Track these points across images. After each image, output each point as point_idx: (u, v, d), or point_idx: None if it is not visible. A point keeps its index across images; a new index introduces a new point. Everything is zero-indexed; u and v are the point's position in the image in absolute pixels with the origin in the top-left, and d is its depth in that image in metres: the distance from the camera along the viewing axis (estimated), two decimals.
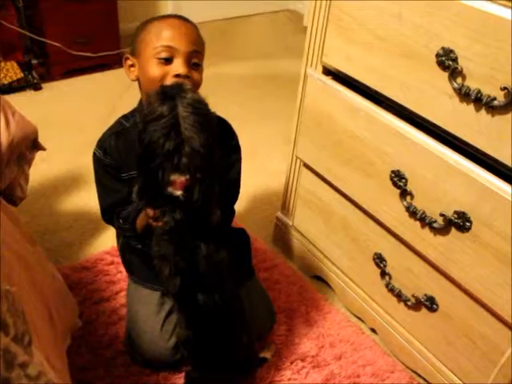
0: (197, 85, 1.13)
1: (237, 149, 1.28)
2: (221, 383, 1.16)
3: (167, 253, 0.99)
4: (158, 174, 0.92)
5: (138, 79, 1.17)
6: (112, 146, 1.19)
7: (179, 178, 0.92)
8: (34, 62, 2.55)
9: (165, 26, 1.12)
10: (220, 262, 1.02)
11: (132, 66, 1.16)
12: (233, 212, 1.32)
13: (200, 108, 0.94)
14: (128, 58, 1.16)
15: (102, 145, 1.20)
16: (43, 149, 1.41)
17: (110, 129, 1.23)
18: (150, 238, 1.07)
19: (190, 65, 1.11)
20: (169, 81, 1.08)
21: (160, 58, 1.09)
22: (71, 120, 2.28)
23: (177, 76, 1.08)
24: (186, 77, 1.09)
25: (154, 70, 1.10)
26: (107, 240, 1.64)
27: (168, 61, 1.09)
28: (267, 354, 1.31)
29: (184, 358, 1.20)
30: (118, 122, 1.23)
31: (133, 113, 1.22)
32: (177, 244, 0.98)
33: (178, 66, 1.09)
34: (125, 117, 1.23)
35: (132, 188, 1.09)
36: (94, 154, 1.22)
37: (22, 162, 1.35)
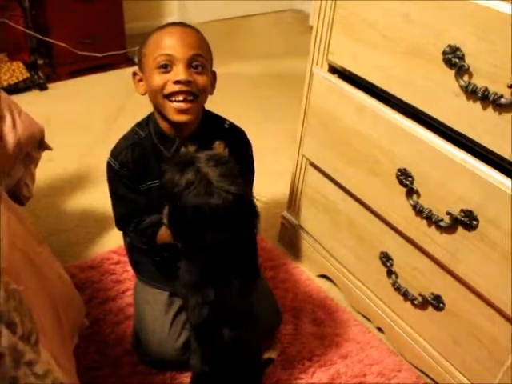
0: (204, 89, 1.12)
1: (251, 161, 1.29)
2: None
3: (196, 281, 0.97)
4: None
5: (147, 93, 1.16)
6: (129, 158, 1.17)
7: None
8: (40, 62, 2.56)
9: (163, 35, 1.11)
10: (251, 299, 1.01)
11: (140, 80, 1.15)
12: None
13: (217, 157, 0.93)
14: (136, 74, 1.16)
15: (118, 157, 1.17)
16: (49, 148, 1.42)
17: (124, 139, 1.20)
18: (168, 251, 1.09)
19: (190, 70, 1.09)
20: (169, 88, 1.08)
21: (159, 67, 1.08)
22: (77, 120, 2.28)
23: (177, 82, 1.07)
24: (188, 82, 1.07)
25: (155, 79, 1.09)
26: (113, 239, 1.64)
27: (167, 68, 1.08)
28: (273, 354, 1.31)
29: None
30: (133, 132, 1.20)
31: (147, 120, 1.20)
32: (209, 273, 0.96)
33: (178, 73, 1.07)
34: (139, 125, 1.21)
35: (148, 198, 1.15)
36: (109, 164, 1.19)
37: (28, 162, 1.36)
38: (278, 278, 1.54)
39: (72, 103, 2.42)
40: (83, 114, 2.34)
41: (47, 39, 2.45)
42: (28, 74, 2.47)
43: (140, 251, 1.31)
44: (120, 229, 1.28)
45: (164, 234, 1.14)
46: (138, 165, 1.17)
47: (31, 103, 2.25)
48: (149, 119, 1.20)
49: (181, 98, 1.08)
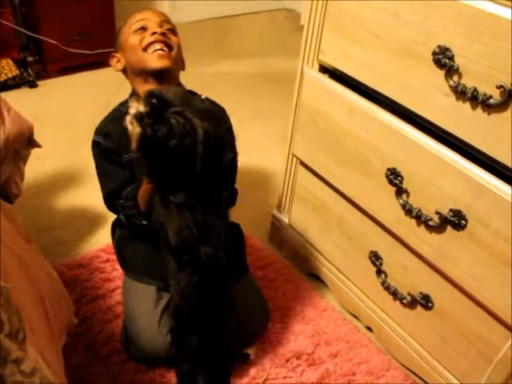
0: (177, 46, 1.24)
1: (230, 128, 1.28)
2: (212, 378, 1.17)
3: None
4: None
5: (124, 70, 1.27)
6: (111, 130, 1.24)
7: None
8: (30, 59, 2.54)
9: (136, 13, 1.28)
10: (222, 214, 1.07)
11: (118, 61, 1.27)
12: (235, 191, 1.31)
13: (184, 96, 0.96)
14: (114, 56, 1.28)
15: (102, 130, 1.26)
16: (39, 146, 1.41)
17: (106, 116, 1.29)
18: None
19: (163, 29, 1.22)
20: (147, 40, 1.20)
21: (136, 30, 1.23)
22: (67, 117, 2.27)
23: (153, 34, 1.20)
24: (162, 33, 1.20)
25: (133, 39, 1.22)
26: (103, 238, 1.63)
27: (143, 29, 1.22)
28: (250, 351, 1.32)
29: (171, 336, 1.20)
30: (114, 109, 1.29)
31: (128, 98, 1.26)
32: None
33: (152, 28, 1.21)
34: (120, 104, 1.29)
35: (131, 170, 1.21)
36: (94, 141, 1.26)
37: (17, 159, 1.35)
38: (267, 277, 1.54)
39: (62, 101, 2.41)
40: (73, 111, 2.32)
41: (37, 36, 2.43)
42: (17, 72, 2.45)
43: (127, 246, 1.35)
44: (109, 206, 1.30)
45: (142, 192, 1.16)
46: (120, 136, 1.20)
47: (20, 101, 2.23)
48: (129, 96, 1.27)
49: (158, 46, 1.20)
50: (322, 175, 1.40)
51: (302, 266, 1.61)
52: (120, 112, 1.25)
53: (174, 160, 0.93)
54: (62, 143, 2.07)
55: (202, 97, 1.27)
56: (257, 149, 2.13)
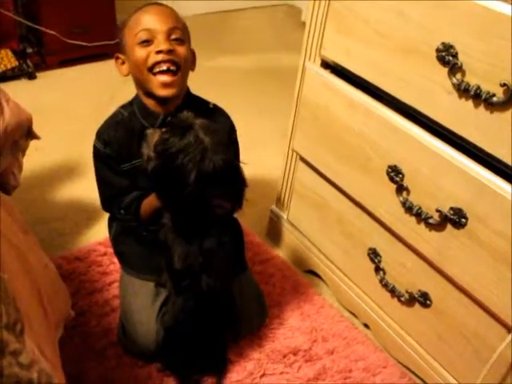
0: (185, 59, 1.15)
1: (236, 144, 1.31)
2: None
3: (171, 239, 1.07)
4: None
5: (130, 74, 1.19)
6: (111, 137, 1.19)
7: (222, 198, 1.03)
8: (30, 50, 2.52)
9: (141, 13, 1.16)
10: (225, 244, 1.09)
11: (123, 63, 1.19)
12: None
13: (212, 128, 1.00)
14: (118, 57, 1.19)
15: (101, 136, 1.20)
16: (37, 137, 1.40)
17: (108, 120, 1.23)
18: (155, 224, 1.12)
19: (171, 41, 1.12)
20: (152, 59, 1.11)
21: (141, 42, 1.12)
22: (66, 109, 2.26)
23: (159, 52, 1.11)
24: (169, 51, 1.11)
25: (138, 53, 1.12)
26: (100, 231, 1.63)
27: (149, 42, 1.12)
28: None
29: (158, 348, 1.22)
30: (117, 112, 1.23)
31: (131, 101, 1.23)
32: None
33: (159, 43, 1.11)
34: (123, 106, 1.23)
35: (133, 178, 1.19)
36: (94, 146, 1.22)
37: (15, 150, 1.34)
38: (265, 273, 1.54)
39: (61, 92, 2.40)
40: (72, 103, 2.31)
41: (37, 27, 2.41)
42: (17, 63, 2.43)
43: (125, 242, 1.33)
44: (106, 210, 1.30)
45: (147, 203, 1.17)
46: (121, 144, 1.19)
47: (19, 92, 2.22)
48: (132, 100, 1.23)
49: (164, 67, 1.11)
50: (321, 171, 1.39)
51: (299, 262, 1.61)
52: (122, 116, 1.21)
53: (192, 196, 0.97)
54: (61, 135, 2.05)
55: (210, 105, 1.28)
56: (256, 144, 2.12)
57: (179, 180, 0.97)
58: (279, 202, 1.66)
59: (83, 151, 1.94)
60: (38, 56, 2.57)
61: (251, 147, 2.07)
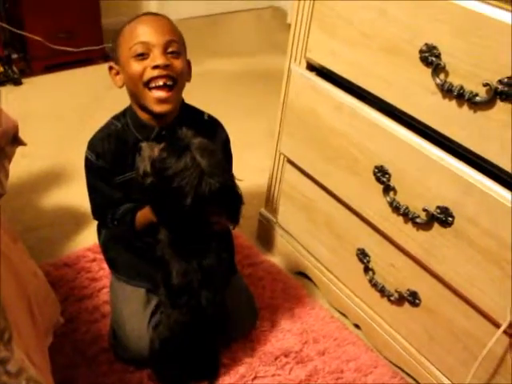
0: (181, 73, 1.13)
1: (229, 155, 1.32)
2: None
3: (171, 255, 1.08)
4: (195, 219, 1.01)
5: (125, 86, 1.16)
6: (105, 149, 1.17)
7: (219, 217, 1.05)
8: (14, 56, 2.50)
9: (136, 24, 1.12)
10: (225, 259, 1.11)
11: (117, 73, 1.16)
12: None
13: (209, 149, 1.00)
14: (112, 68, 1.16)
15: (94, 148, 1.17)
16: (24, 144, 1.39)
17: (100, 130, 1.20)
18: (149, 235, 1.11)
19: (167, 55, 1.10)
20: (148, 74, 1.08)
21: (136, 55, 1.09)
22: (52, 115, 2.25)
23: (155, 67, 1.08)
24: (166, 66, 1.08)
25: (133, 67, 1.10)
26: (89, 237, 1.62)
27: (144, 56, 1.09)
28: None
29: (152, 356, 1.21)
30: (109, 123, 1.20)
31: (124, 112, 1.20)
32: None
33: (155, 58, 1.09)
34: (115, 117, 1.21)
35: (126, 190, 1.18)
36: (86, 157, 1.19)
37: (1, 157, 1.32)
38: (255, 276, 1.54)
39: (47, 98, 2.38)
40: (58, 109, 2.30)
41: (21, 32, 2.40)
42: (1, 69, 2.42)
43: (115, 248, 1.32)
44: (96, 219, 1.28)
45: (142, 216, 1.16)
46: (114, 156, 1.17)
47: (5, 98, 2.21)
48: (126, 111, 1.20)
49: (160, 82, 1.09)
50: (309, 173, 1.40)
51: (289, 264, 1.62)
52: (115, 128, 1.19)
53: (189, 216, 0.99)
54: (48, 141, 2.04)
55: (205, 116, 1.27)
56: (244, 146, 2.12)
57: (176, 201, 0.97)
58: (268, 204, 1.66)
59: (70, 157, 1.94)
60: (23, 62, 2.55)
61: (239, 150, 2.07)
